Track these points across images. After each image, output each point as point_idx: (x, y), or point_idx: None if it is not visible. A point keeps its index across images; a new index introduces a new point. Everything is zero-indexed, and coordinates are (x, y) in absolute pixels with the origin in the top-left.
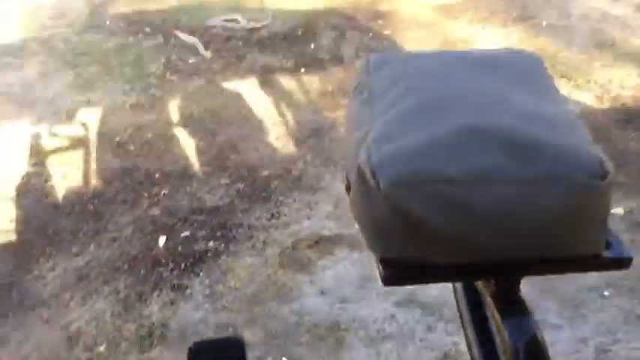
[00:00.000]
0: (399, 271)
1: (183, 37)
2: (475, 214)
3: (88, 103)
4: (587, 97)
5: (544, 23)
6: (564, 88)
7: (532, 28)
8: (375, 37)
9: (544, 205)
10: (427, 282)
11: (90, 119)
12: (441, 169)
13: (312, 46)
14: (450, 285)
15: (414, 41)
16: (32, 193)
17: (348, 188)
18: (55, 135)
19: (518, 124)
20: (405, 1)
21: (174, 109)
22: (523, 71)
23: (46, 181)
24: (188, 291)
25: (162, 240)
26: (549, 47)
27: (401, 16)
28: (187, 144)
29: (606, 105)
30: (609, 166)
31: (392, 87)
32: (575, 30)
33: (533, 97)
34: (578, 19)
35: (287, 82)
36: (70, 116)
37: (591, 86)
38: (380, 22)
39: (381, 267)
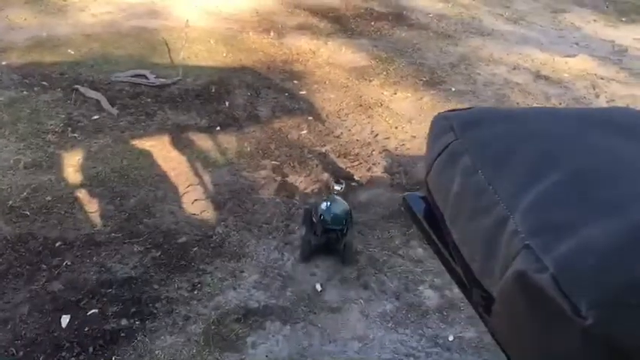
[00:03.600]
0: None
1: (85, 91)
2: None
3: None
4: None
5: (453, 89)
6: None
7: (442, 93)
8: (292, 97)
9: None
10: None
11: None
12: None
13: (227, 104)
14: None
15: (331, 102)
16: None
17: (486, 305)
18: None
19: None
20: (317, 63)
21: (76, 169)
22: None
23: None
24: None
25: (65, 319)
26: None
27: (315, 78)
28: (93, 208)
29: None
30: None
31: (509, 154)
32: (481, 95)
33: None
34: (483, 85)
35: (202, 141)
36: None
37: None
38: (295, 82)
39: None
